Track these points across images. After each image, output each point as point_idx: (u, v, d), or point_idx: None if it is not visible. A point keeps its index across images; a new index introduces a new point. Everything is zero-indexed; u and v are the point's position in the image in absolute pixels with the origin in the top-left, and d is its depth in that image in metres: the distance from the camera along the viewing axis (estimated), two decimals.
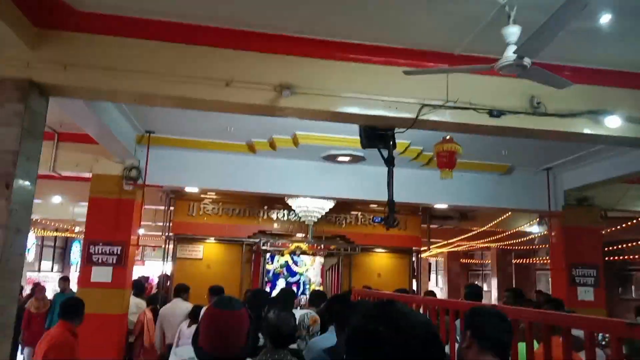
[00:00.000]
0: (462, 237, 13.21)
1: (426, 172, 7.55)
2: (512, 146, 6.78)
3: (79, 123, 5.25)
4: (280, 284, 10.41)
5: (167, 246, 9.76)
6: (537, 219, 9.12)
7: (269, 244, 9.72)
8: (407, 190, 7.66)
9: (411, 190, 7.76)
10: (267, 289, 10.25)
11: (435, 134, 5.16)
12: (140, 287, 8.19)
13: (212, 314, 2.06)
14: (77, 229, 14.64)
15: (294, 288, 10.58)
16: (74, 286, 9.16)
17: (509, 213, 10.24)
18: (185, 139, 6.98)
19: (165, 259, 9.74)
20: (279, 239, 9.89)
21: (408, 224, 10.54)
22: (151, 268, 17.21)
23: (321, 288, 10.44)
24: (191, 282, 9.37)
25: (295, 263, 10.56)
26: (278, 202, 9.84)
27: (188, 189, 8.54)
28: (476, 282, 16.16)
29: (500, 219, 10.84)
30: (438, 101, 4.31)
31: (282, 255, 10.26)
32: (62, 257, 17.73)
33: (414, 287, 10.86)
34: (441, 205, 8.47)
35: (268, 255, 10.20)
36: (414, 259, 10.96)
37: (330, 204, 9.04)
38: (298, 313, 4.23)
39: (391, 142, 4.92)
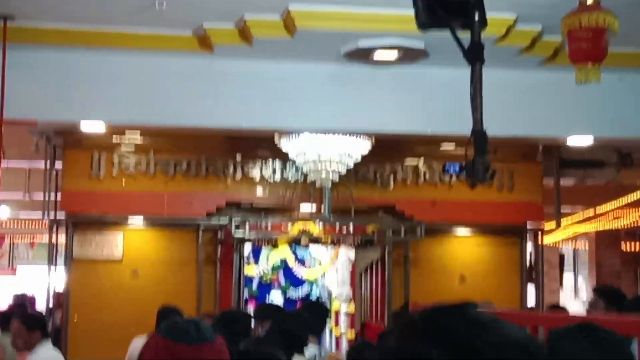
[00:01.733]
0: (625, 202, 13.34)
1: (549, 77, 7.72)
2: None
3: None
4: (275, 302, 10.41)
5: (54, 238, 10.00)
6: None
7: (247, 226, 9.71)
8: (511, 112, 7.72)
9: (519, 112, 7.82)
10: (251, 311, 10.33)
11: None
12: (9, 318, 8.18)
13: (162, 349, 2.26)
14: None
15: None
16: None
17: None
18: (77, 28, 7.17)
19: (53, 262, 10.00)
20: (267, 218, 9.93)
21: (517, 179, 10.57)
22: (29, 279, 17.72)
23: (351, 308, 10.55)
24: (102, 305, 9.70)
25: (301, 262, 10.67)
26: (262, 146, 9.91)
27: (87, 127, 8.59)
28: None
29: None
30: None
31: (275, 247, 10.37)
32: None
33: (531, 298, 10.93)
34: (581, 141, 8.77)
35: (247, 248, 10.28)
36: (529, 245, 10.93)
37: (364, 146, 9.04)
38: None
39: (477, 16, 4.75)
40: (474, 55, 4.81)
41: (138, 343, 6.44)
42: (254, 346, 4.43)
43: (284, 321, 5.45)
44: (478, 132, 5.22)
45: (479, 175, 5.21)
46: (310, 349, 5.36)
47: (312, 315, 5.75)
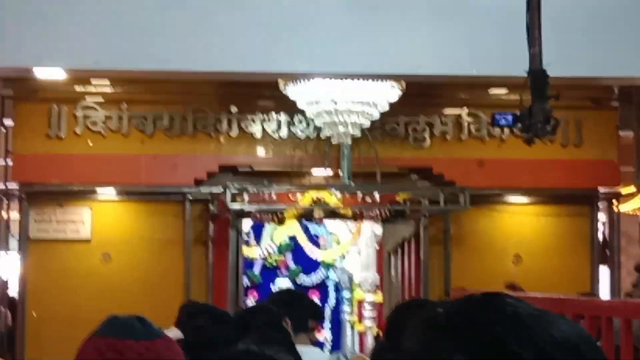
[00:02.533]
0: None
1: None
2: None
3: None
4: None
5: (4, 214, 9.99)
6: None
7: (246, 196, 9.76)
8: (578, 46, 7.51)
9: (588, 46, 7.60)
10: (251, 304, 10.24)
11: None
12: None
13: (106, 350, 2.30)
14: None
15: (315, 298, 10.68)
16: None
17: None
18: None
19: (4, 245, 10.02)
20: (271, 185, 9.92)
21: (586, 131, 10.56)
22: None
23: (378, 297, 10.59)
24: (66, 296, 9.80)
25: (315, 240, 10.77)
26: (263, 95, 9.94)
27: (43, 75, 8.59)
28: None
29: None
30: None
31: (281, 223, 10.40)
32: None
33: (605, 283, 10.93)
34: None
35: (247, 224, 10.29)
36: (601, 215, 10.96)
37: (392, 93, 9.10)
38: (318, 355, 4.54)
39: None
40: None
41: None
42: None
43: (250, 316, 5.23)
44: (536, 72, 5.28)
45: (538, 128, 5.29)
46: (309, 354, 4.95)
47: (286, 309, 5.20)
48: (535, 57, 5.20)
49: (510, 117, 7.35)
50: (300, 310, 5.39)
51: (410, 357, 1.40)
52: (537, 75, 5.36)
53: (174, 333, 6.84)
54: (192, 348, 3.76)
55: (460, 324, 1.37)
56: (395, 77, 8.63)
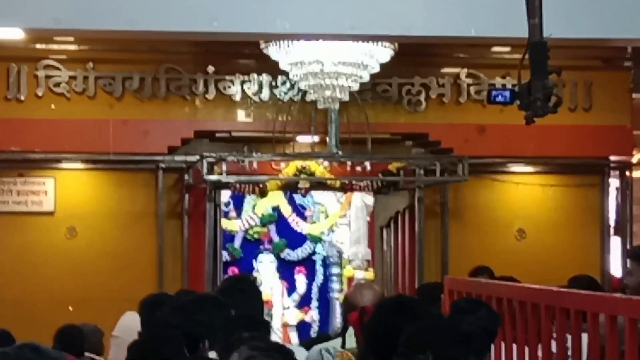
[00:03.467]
0: None
1: None
2: None
3: None
4: (265, 268, 10.58)
5: None
6: None
7: (224, 165, 9.69)
8: (584, 5, 7.40)
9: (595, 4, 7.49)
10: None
11: None
12: None
13: None
14: None
15: (301, 275, 10.82)
16: None
17: None
18: None
19: None
20: (252, 153, 9.94)
21: (597, 94, 10.58)
22: None
23: (369, 274, 10.58)
24: (27, 274, 9.70)
25: (300, 212, 10.74)
26: (243, 52, 9.98)
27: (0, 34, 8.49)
28: None
29: None
30: None
31: (263, 195, 10.44)
32: None
33: (617, 254, 10.96)
34: None
35: (225, 195, 10.33)
36: (613, 185, 10.98)
37: (383, 53, 9.04)
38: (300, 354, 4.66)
39: None
40: None
41: (130, 321, 6.47)
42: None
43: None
44: (536, 44, 5.12)
45: (538, 106, 5.14)
46: None
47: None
48: (535, 28, 5.08)
49: (507, 94, 7.20)
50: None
51: None
52: (536, 48, 5.19)
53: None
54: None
55: None
56: (387, 39, 8.60)
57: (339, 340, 5.35)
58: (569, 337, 4.31)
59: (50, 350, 3.34)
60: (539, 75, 5.17)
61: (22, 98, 9.91)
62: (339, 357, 4.97)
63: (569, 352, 4.35)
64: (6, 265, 9.87)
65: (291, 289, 10.82)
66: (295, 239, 10.72)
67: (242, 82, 10.19)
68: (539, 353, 4.61)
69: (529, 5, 4.98)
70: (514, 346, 4.78)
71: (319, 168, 10.05)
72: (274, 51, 8.97)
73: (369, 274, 10.55)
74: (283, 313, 10.62)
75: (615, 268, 10.93)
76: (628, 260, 6.86)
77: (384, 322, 3.90)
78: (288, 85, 10.14)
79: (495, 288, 5.59)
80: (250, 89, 10.21)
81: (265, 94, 10.22)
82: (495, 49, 10.30)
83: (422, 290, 7.52)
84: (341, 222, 10.78)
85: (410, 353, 3.22)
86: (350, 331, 5.15)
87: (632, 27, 7.84)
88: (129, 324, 6.89)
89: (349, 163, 10.00)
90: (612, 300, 4.24)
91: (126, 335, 6.70)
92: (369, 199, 10.62)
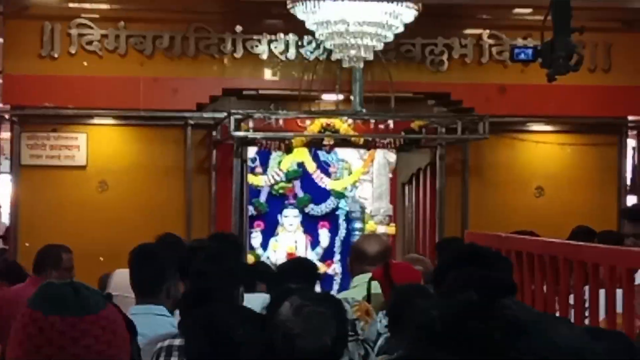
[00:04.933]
0: None
1: None
2: None
3: None
4: (289, 222, 10.71)
5: None
6: None
7: (251, 122, 9.78)
8: None
9: None
10: (254, 237, 10.52)
11: None
12: None
13: (29, 323, 2.25)
14: None
15: (324, 230, 10.95)
16: None
17: None
18: None
19: None
20: (278, 111, 9.98)
21: (616, 55, 10.53)
22: None
23: (390, 229, 10.65)
24: (61, 226, 9.68)
25: (324, 168, 10.85)
26: (270, 12, 9.96)
27: None
28: None
29: None
30: None
31: (289, 151, 10.48)
32: None
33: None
34: None
35: (252, 151, 10.35)
36: (630, 143, 10.98)
37: (407, 13, 9.00)
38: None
39: None
40: None
41: (124, 278, 6.57)
42: None
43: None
44: (559, 3, 5.16)
45: (560, 64, 5.21)
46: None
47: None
48: None
49: (530, 51, 7.25)
50: None
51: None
52: (560, 6, 5.16)
53: None
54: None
55: (457, 332, 1.44)
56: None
57: (358, 291, 5.43)
58: (587, 289, 4.41)
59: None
60: (561, 33, 5.20)
61: (56, 56, 9.89)
62: (356, 307, 4.96)
63: (587, 305, 4.45)
64: (39, 218, 9.89)
65: (315, 242, 10.92)
66: (319, 195, 10.85)
67: (269, 42, 10.18)
68: (556, 306, 4.71)
69: None
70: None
71: (343, 125, 10.07)
72: (300, 11, 8.94)
73: (391, 229, 10.64)
74: None
75: None
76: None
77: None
78: (314, 44, 10.12)
79: (514, 242, 5.71)
80: (277, 48, 10.20)
81: (292, 53, 10.23)
82: (517, 10, 10.24)
83: (442, 245, 7.61)
84: (364, 179, 10.89)
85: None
86: (375, 284, 5.21)
87: None
88: (125, 282, 7.19)
89: (372, 121, 10.01)
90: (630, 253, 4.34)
91: (123, 292, 6.88)
92: (392, 156, 10.67)
